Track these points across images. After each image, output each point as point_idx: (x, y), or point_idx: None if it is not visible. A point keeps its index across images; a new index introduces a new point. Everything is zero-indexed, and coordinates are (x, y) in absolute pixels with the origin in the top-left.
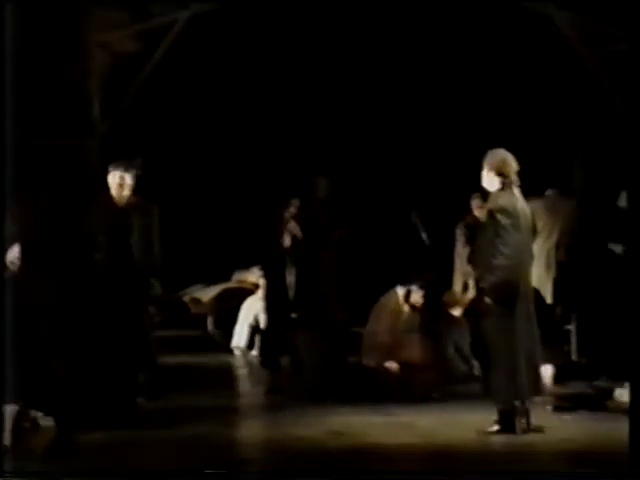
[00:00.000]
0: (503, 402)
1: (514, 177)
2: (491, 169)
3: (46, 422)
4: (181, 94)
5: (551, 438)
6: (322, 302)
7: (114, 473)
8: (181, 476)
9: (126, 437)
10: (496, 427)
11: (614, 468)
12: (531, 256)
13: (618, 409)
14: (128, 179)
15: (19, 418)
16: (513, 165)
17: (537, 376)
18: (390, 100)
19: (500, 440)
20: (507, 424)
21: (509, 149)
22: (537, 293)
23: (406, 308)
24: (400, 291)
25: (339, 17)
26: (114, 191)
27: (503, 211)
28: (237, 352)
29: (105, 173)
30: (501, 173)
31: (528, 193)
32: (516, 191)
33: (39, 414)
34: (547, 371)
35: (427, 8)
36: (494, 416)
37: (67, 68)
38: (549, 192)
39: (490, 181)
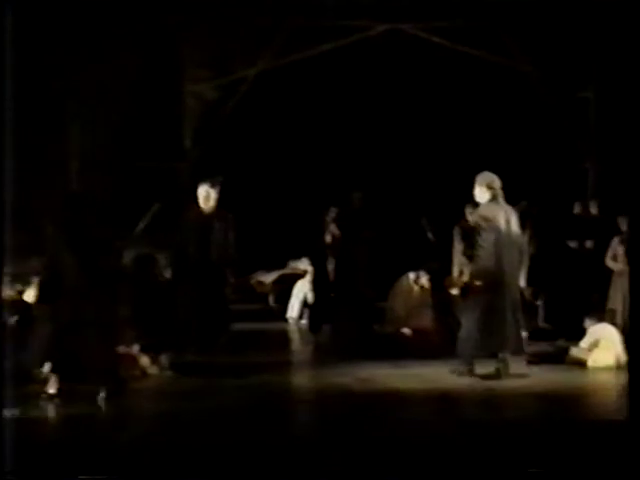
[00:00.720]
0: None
1: (499, 191)
2: (482, 185)
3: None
4: (251, 129)
5: (526, 382)
6: (354, 284)
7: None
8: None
9: (208, 384)
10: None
11: (570, 405)
12: (521, 252)
13: (572, 362)
14: (212, 193)
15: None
16: (497, 182)
17: (520, 339)
18: (411, 141)
19: (491, 384)
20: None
21: (494, 172)
22: None
23: (416, 288)
24: (411, 275)
25: (372, 72)
26: (201, 202)
27: (483, 217)
28: (291, 321)
29: (195, 188)
30: (490, 187)
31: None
32: (502, 201)
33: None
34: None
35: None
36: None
37: (166, 111)
38: (522, 203)
39: (481, 194)
